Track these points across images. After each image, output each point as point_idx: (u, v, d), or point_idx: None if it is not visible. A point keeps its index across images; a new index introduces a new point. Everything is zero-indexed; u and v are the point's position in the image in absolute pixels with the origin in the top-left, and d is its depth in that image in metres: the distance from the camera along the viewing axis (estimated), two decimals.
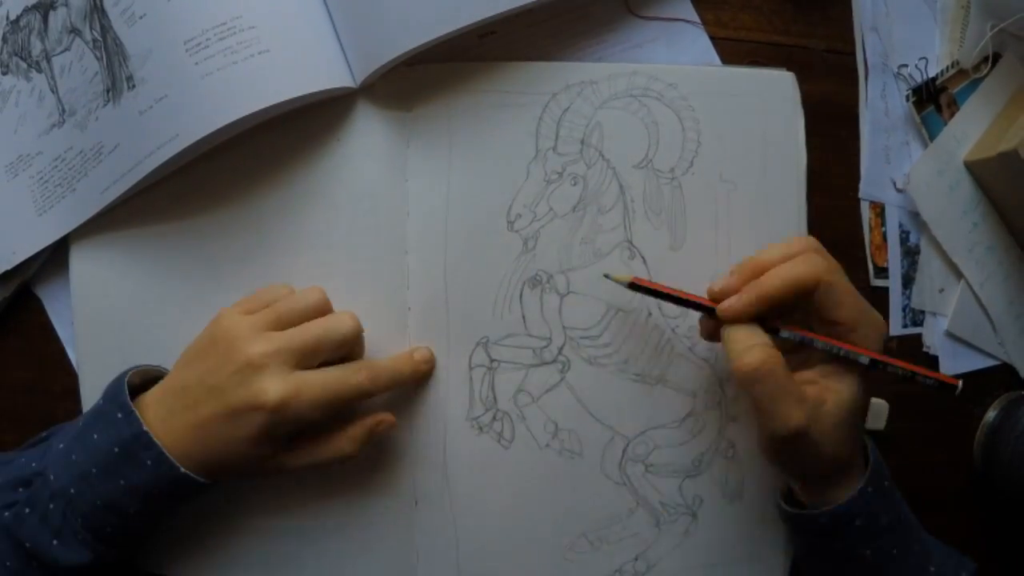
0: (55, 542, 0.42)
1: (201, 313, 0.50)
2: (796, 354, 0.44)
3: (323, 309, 0.46)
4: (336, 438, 0.45)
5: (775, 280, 0.42)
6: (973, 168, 0.52)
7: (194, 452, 0.42)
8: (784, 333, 0.43)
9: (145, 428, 0.42)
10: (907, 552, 0.44)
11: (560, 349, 0.50)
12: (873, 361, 0.42)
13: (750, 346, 0.41)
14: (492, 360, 0.50)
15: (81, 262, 0.51)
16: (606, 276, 0.47)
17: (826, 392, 0.42)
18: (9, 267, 0.51)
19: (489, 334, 0.50)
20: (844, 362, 0.42)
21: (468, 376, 0.50)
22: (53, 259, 0.52)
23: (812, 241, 0.43)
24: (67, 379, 0.52)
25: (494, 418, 0.50)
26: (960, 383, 0.42)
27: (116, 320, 0.51)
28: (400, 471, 0.50)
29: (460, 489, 0.50)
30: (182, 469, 0.42)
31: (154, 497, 0.43)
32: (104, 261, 0.51)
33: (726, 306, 0.42)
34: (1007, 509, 0.55)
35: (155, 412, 0.43)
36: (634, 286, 0.45)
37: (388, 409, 0.48)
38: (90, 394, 0.51)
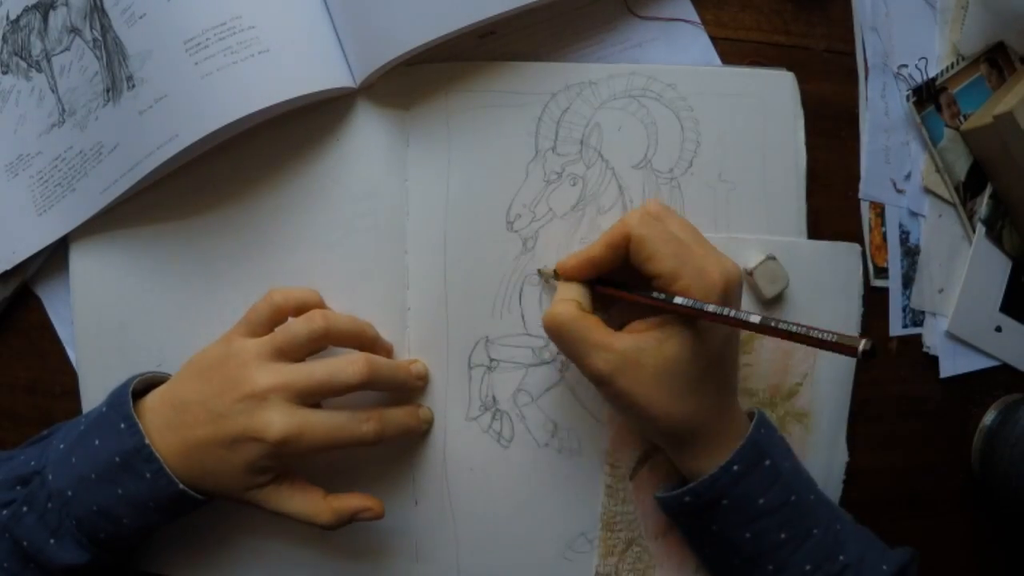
0: (52, 541, 0.42)
1: (201, 313, 0.50)
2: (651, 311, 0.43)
3: (328, 337, 0.45)
4: (320, 504, 0.45)
5: (597, 242, 0.44)
6: (969, 138, 0.52)
7: (184, 468, 0.43)
8: (600, 292, 0.45)
9: (147, 441, 0.42)
10: (802, 537, 0.42)
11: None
12: (704, 308, 0.39)
13: (555, 301, 0.44)
14: (491, 360, 0.50)
15: (81, 262, 0.51)
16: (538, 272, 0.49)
17: (645, 341, 0.41)
18: (9, 267, 0.51)
19: (488, 334, 0.50)
20: (675, 315, 0.41)
21: (467, 376, 0.50)
22: (53, 259, 0.52)
23: (645, 205, 0.43)
24: (67, 379, 0.52)
25: (493, 418, 0.50)
26: (864, 342, 0.34)
27: (116, 320, 0.51)
28: (400, 471, 0.50)
29: (460, 489, 0.50)
30: (180, 485, 0.42)
31: (150, 509, 0.43)
32: (104, 261, 0.51)
33: (560, 263, 0.45)
34: (1005, 511, 0.55)
35: (152, 420, 0.43)
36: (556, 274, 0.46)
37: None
38: (90, 394, 0.51)
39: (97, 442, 0.43)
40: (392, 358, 0.49)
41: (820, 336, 0.36)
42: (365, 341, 0.47)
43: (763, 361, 0.50)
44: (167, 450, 0.42)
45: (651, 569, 0.50)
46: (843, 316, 0.51)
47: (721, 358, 0.43)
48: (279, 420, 0.42)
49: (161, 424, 0.43)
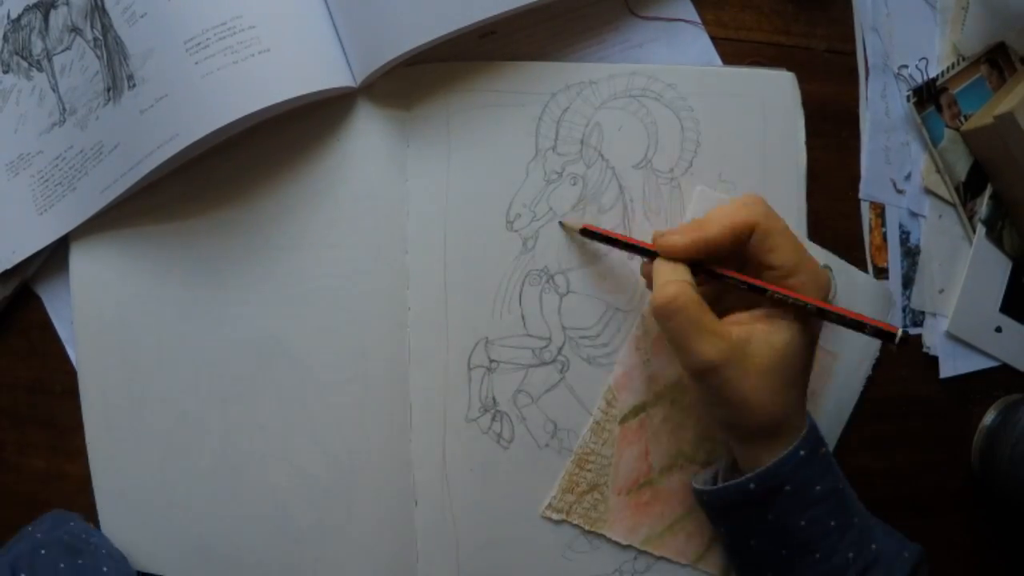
0: None
1: (201, 312, 0.50)
2: (742, 301, 0.43)
3: None
4: None
5: (712, 224, 0.42)
6: (969, 139, 0.52)
7: None
8: (710, 277, 0.43)
9: None
10: (846, 526, 0.43)
11: (559, 349, 0.50)
12: (808, 306, 0.40)
13: (667, 281, 0.41)
14: (491, 360, 0.50)
15: (81, 262, 0.51)
16: (560, 224, 0.49)
17: (754, 332, 0.41)
18: (9, 267, 0.51)
19: (488, 334, 0.50)
20: (781, 308, 0.41)
21: (467, 376, 0.50)
22: (53, 259, 0.52)
23: (756, 196, 0.43)
24: (67, 379, 0.52)
25: (493, 418, 0.50)
26: (900, 331, 0.40)
27: (116, 320, 0.51)
28: (400, 471, 0.50)
29: (460, 489, 0.50)
30: None
31: None
32: (104, 261, 0.51)
33: (664, 240, 0.43)
34: (1005, 511, 0.55)
35: None
36: (585, 232, 0.47)
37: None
38: (90, 394, 0.51)
39: None
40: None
41: (864, 322, 0.40)
42: None
43: None
44: None
45: (602, 522, 0.50)
46: (863, 351, 0.51)
47: (813, 354, 0.43)
48: None
49: None
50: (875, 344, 0.51)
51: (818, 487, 0.42)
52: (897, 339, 0.39)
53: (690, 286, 0.41)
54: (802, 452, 0.42)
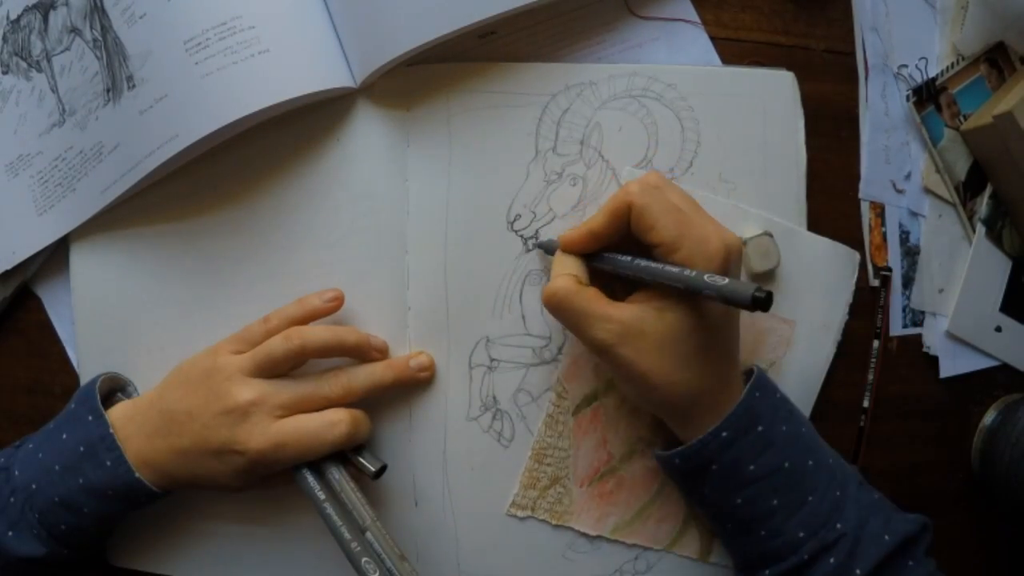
0: (10, 533, 0.44)
1: (201, 312, 0.50)
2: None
3: (305, 353, 0.46)
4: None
5: (597, 214, 0.44)
6: (969, 138, 0.52)
7: (175, 472, 0.45)
8: (595, 262, 0.45)
9: (111, 431, 0.44)
10: (794, 504, 0.42)
11: (560, 348, 0.50)
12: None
13: (554, 276, 0.44)
14: (492, 359, 0.50)
15: (81, 262, 0.51)
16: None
17: (646, 312, 0.41)
18: (9, 267, 0.51)
19: (489, 334, 0.50)
20: (671, 288, 0.41)
21: (468, 376, 0.50)
22: (53, 259, 0.52)
23: (643, 177, 0.43)
24: (67, 379, 0.52)
25: (494, 417, 0.50)
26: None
27: (116, 320, 0.51)
28: (400, 471, 0.50)
29: (460, 489, 0.50)
30: (136, 474, 0.44)
31: (108, 497, 0.45)
32: (104, 261, 0.51)
33: (561, 236, 0.46)
34: (1005, 511, 0.55)
35: (138, 423, 0.45)
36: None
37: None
38: None
39: (64, 436, 0.45)
40: (387, 355, 0.49)
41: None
42: (347, 349, 0.47)
43: None
44: (154, 454, 0.45)
45: (569, 515, 0.50)
46: (826, 316, 0.50)
47: (722, 328, 0.43)
48: (258, 435, 0.43)
49: (149, 429, 0.45)
50: (839, 308, 0.50)
51: (751, 467, 0.42)
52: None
53: (573, 278, 0.43)
54: (725, 433, 0.42)
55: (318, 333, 0.46)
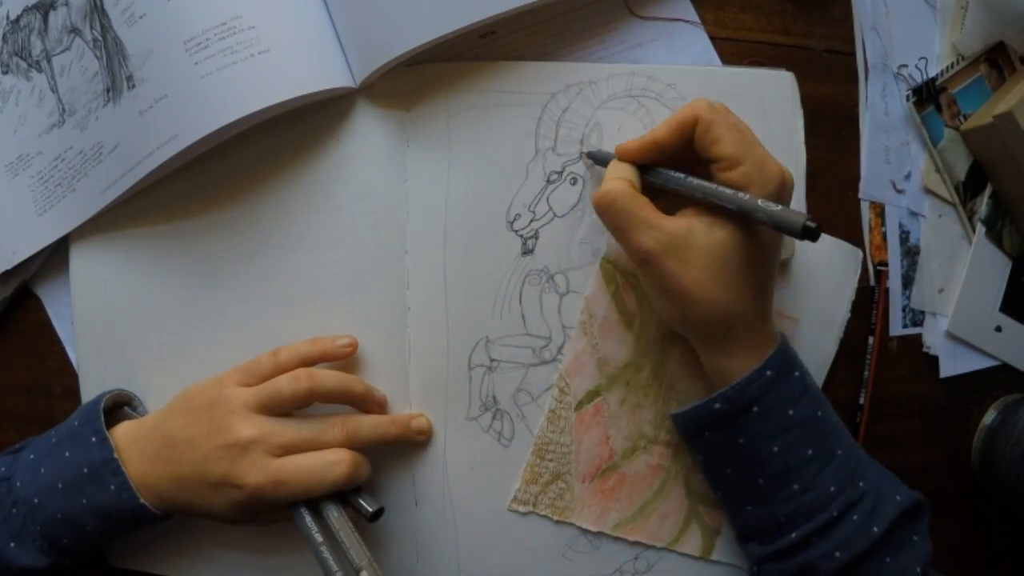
0: (12, 545, 0.44)
1: (201, 313, 0.50)
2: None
3: (313, 396, 0.46)
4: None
5: (661, 125, 0.44)
6: (969, 138, 0.52)
7: (172, 497, 0.45)
8: (648, 175, 0.45)
9: (115, 455, 0.44)
10: (827, 456, 0.42)
11: (560, 348, 0.50)
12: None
13: (607, 179, 0.44)
14: (492, 360, 0.50)
15: (81, 262, 0.51)
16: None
17: (693, 225, 0.41)
18: (9, 267, 0.51)
19: (489, 334, 0.50)
20: (721, 208, 0.41)
21: (468, 376, 0.50)
22: (53, 259, 0.52)
23: (703, 98, 0.43)
24: (67, 379, 0.52)
25: (494, 417, 0.50)
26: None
27: (116, 320, 0.51)
28: (400, 471, 0.50)
29: (460, 489, 0.50)
30: (140, 500, 0.44)
31: (112, 519, 0.44)
32: (104, 261, 0.51)
33: (619, 145, 0.45)
34: (1005, 511, 0.55)
35: (140, 446, 0.45)
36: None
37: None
38: (90, 394, 0.51)
39: (67, 454, 0.45)
40: (386, 411, 0.49)
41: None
42: (351, 398, 0.47)
43: None
44: (155, 479, 0.44)
45: (570, 511, 0.50)
46: (828, 313, 0.50)
47: (766, 254, 0.43)
48: (257, 471, 0.43)
49: (151, 453, 0.45)
50: (842, 306, 0.51)
51: (791, 411, 0.42)
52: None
53: (627, 183, 0.43)
54: (769, 372, 0.42)
55: (327, 379, 0.46)
